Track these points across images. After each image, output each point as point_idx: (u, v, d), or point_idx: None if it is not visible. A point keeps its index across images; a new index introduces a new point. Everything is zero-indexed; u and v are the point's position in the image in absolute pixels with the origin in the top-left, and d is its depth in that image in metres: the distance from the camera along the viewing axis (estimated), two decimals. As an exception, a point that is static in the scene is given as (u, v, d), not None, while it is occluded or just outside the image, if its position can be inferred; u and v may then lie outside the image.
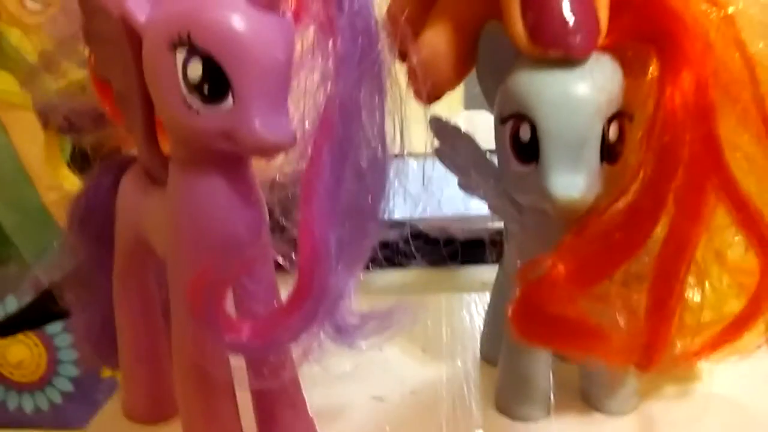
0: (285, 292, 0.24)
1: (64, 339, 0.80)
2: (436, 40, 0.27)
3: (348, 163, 0.23)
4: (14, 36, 0.75)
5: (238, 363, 0.25)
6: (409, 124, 0.28)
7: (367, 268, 0.25)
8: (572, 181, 0.24)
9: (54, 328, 0.80)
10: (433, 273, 0.29)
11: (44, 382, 0.82)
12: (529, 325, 0.26)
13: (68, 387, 0.82)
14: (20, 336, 0.81)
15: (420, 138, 0.29)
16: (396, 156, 0.25)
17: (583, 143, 0.24)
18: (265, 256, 0.25)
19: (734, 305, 0.27)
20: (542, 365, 0.30)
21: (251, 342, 0.23)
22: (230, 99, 0.22)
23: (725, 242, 0.27)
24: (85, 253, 0.30)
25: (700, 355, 0.27)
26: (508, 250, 0.33)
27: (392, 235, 0.26)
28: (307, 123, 0.23)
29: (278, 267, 0.26)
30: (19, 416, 0.82)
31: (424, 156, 0.30)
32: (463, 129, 0.31)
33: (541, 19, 0.24)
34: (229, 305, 0.24)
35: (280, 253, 0.25)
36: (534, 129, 0.25)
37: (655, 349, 0.26)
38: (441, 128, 0.30)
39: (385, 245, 0.26)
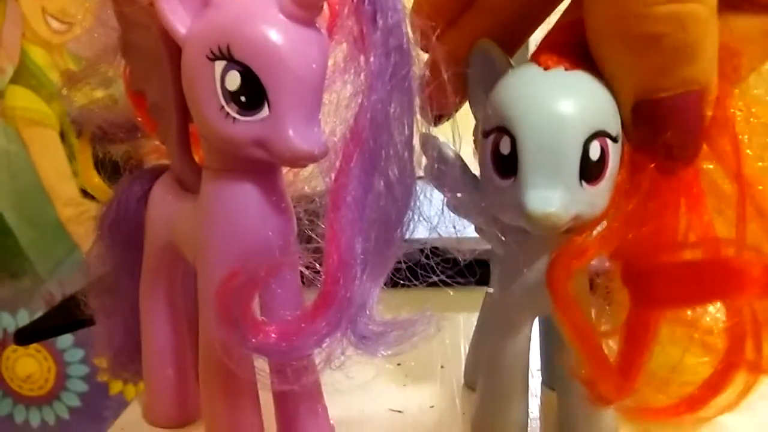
0: (309, 302, 0.25)
1: (74, 354, 0.81)
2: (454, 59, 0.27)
3: (376, 174, 0.23)
4: (37, 54, 0.77)
5: (261, 366, 0.26)
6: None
7: (388, 285, 0.25)
8: (548, 195, 0.24)
9: (64, 342, 0.80)
10: (453, 293, 0.30)
11: (52, 397, 0.82)
12: (563, 278, 0.26)
13: (76, 402, 0.82)
14: (31, 350, 0.81)
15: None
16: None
17: (561, 159, 0.24)
18: (292, 262, 0.25)
19: (705, 371, 0.27)
20: (518, 396, 0.29)
21: (276, 345, 0.24)
22: (266, 109, 0.22)
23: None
24: (112, 260, 0.31)
25: (667, 413, 0.28)
26: (493, 273, 0.32)
27: (413, 254, 0.27)
28: (337, 134, 0.24)
29: (303, 279, 0.26)
30: (25, 430, 0.82)
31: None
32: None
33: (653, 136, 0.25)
34: (256, 309, 0.25)
35: (305, 262, 0.26)
36: (514, 143, 0.25)
37: (621, 387, 0.26)
38: (430, 146, 0.29)
39: (405, 264, 0.26)
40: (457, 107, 0.29)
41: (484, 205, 0.28)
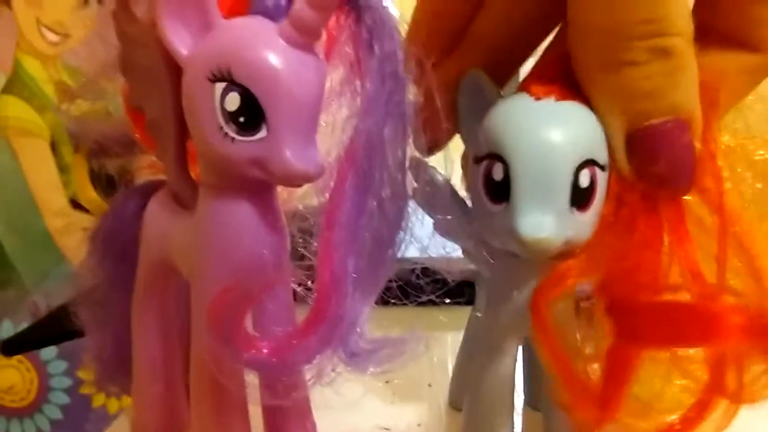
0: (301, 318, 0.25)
1: (57, 366, 0.80)
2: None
3: (369, 195, 0.24)
4: (31, 65, 0.77)
5: (251, 381, 0.26)
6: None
7: (377, 303, 0.25)
8: (540, 221, 0.25)
9: (48, 354, 0.80)
10: (440, 312, 0.30)
11: (34, 409, 0.81)
12: (543, 305, 0.26)
13: (58, 415, 0.81)
14: (13, 360, 0.80)
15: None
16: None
17: (553, 186, 0.25)
18: (285, 279, 0.26)
19: (686, 398, 0.27)
20: (503, 418, 0.30)
21: (267, 360, 0.24)
22: (264, 129, 0.23)
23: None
24: (104, 273, 0.31)
25: None
26: (479, 295, 0.33)
27: (402, 273, 0.27)
28: (333, 156, 0.24)
29: (295, 296, 0.27)
30: (4, 442, 0.81)
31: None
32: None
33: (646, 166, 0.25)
34: (248, 324, 0.25)
35: (297, 280, 0.27)
36: (507, 169, 0.26)
37: (600, 416, 0.26)
38: (421, 170, 0.30)
39: (395, 283, 0.27)
40: (450, 136, 0.29)
41: (473, 228, 0.29)
